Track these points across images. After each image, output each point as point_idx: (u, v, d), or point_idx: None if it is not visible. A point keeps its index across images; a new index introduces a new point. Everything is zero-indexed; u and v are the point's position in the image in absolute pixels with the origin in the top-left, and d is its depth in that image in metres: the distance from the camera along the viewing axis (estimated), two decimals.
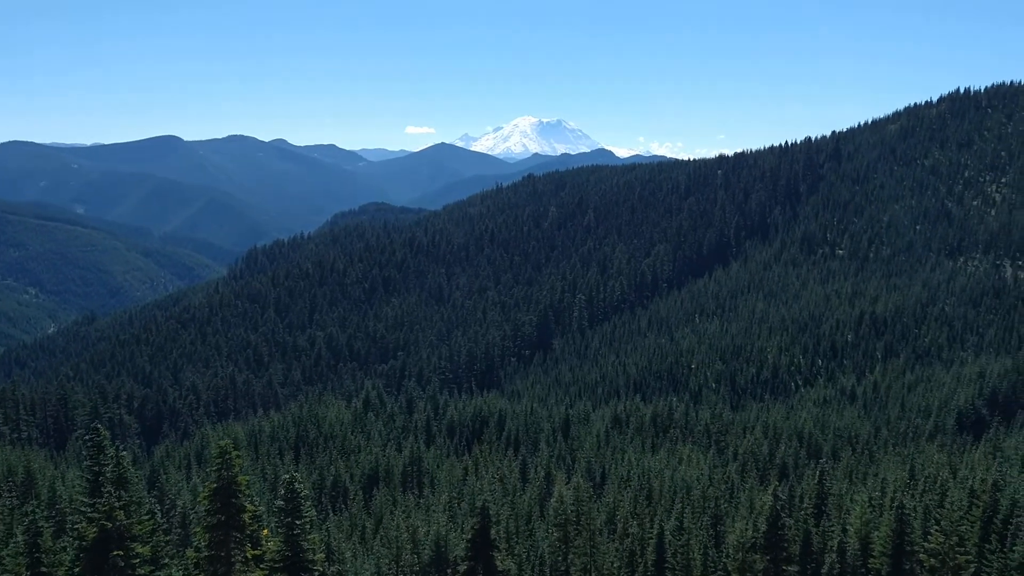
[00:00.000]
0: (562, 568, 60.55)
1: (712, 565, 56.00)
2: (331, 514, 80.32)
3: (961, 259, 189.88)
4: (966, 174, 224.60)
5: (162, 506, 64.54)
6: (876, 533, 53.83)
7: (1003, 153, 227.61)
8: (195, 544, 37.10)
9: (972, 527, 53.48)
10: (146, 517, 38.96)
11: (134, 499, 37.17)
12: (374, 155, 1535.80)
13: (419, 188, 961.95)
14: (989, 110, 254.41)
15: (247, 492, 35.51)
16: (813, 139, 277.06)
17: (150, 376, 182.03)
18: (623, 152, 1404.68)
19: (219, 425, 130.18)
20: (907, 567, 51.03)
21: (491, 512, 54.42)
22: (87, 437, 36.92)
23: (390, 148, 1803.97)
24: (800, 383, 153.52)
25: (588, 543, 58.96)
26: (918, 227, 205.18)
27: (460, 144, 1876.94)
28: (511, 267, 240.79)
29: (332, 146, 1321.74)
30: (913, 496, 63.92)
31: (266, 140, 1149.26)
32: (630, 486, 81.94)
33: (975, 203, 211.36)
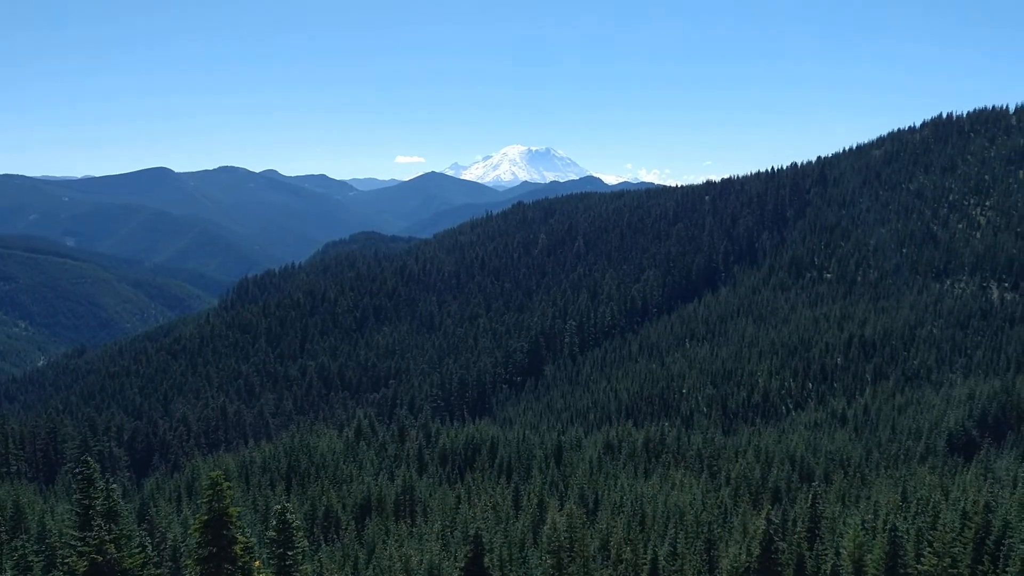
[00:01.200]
0: None
1: None
2: (323, 545, 79.79)
3: (948, 281, 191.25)
4: (951, 198, 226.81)
5: (153, 539, 63.99)
6: (869, 556, 53.88)
7: (986, 177, 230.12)
8: None
9: (965, 549, 53.58)
10: (137, 550, 38.72)
11: (124, 532, 36.97)
12: (364, 184, 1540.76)
13: (409, 217, 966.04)
14: (972, 135, 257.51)
15: (238, 524, 35.39)
16: (799, 164, 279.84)
17: (140, 408, 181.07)
18: (611, 179, 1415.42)
19: (210, 456, 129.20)
20: None
21: (484, 540, 54.30)
22: (77, 470, 36.84)
23: (380, 177, 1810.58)
24: (791, 406, 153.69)
25: (582, 570, 58.79)
26: (904, 250, 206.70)
27: (450, 173, 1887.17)
28: (502, 294, 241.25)
29: (323, 176, 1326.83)
30: (906, 518, 64.07)
31: (257, 171, 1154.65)
32: (623, 512, 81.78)
33: (960, 226, 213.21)
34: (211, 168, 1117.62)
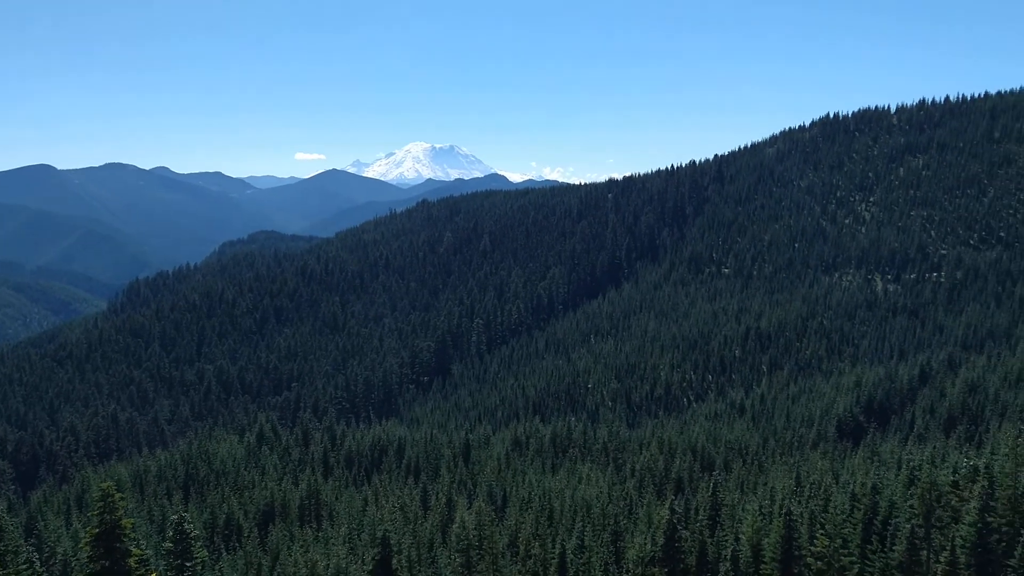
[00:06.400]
0: None
1: None
2: (224, 553, 77.34)
3: (836, 274, 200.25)
4: (838, 194, 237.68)
5: (41, 554, 60.82)
6: (766, 540, 55.70)
7: (870, 174, 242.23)
8: None
9: (855, 529, 56.04)
10: (24, 566, 36.72)
11: (10, 548, 35.08)
12: (263, 182, 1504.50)
13: (310, 215, 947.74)
14: (856, 133, 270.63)
15: (132, 536, 33.98)
16: (697, 162, 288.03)
17: (24, 418, 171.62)
18: (516, 177, 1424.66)
19: (101, 467, 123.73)
20: (796, 571, 52.95)
21: (392, 541, 53.72)
22: None
23: (279, 175, 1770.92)
24: (692, 398, 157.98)
25: (491, 567, 58.85)
26: (796, 245, 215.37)
27: (352, 170, 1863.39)
28: (407, 293, 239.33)
29: (218, 173, 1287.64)
30: (800, 502, 66.56)
31: (146, 168, 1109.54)
32: (531, 507, 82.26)
33: (847, 221, 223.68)
34: (97, 165, 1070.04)
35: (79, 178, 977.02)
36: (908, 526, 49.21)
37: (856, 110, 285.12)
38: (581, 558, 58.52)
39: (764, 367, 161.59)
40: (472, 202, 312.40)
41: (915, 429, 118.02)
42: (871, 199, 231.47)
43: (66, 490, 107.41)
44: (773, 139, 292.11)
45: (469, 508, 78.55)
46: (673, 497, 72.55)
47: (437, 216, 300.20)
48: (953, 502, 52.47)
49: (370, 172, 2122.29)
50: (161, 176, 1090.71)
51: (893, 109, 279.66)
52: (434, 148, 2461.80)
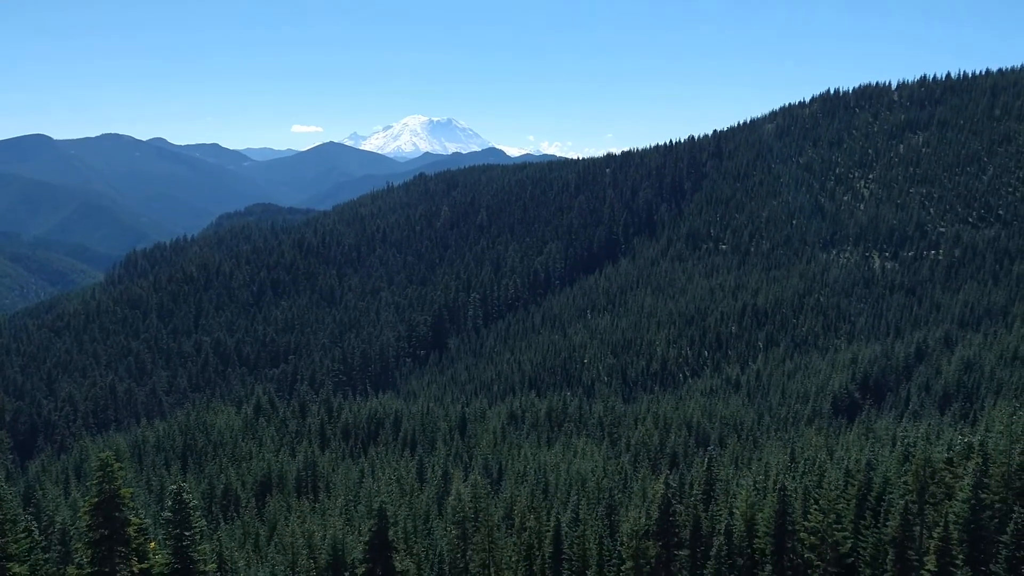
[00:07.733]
0: (461, 565, 60.85)
1: (607, 554, 57.21)
2: (222, 523, 78.00)
3: (834, 251, 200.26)
4: (837, 171, 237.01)
5: (39, 523, 61.17)
6: (760, 515, 56.06)
7: (870, 151, 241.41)
8: (77, 561, 35.49)
9: (848, 505, 56.38)
10: (22, 535, 37.00)
11: (8, 517, 35.24)
12: (260, 154, 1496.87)
13: (307, 188, 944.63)
14: (857, 110, 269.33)
15: (131, 505, 34.17)
16: (696, 138, 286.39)
17: (22, 388, 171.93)
18: (514, 151, 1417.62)
19: (99, 437, 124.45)
20: (789, 545, 53.39)
21: (388, 513, 54.07)
22: None
23: (276, 147, 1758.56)
24: (688, 374, 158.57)
25: (486, 539, 59.33)
26: (794, 222, 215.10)
27: (349, 143, 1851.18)
28: (404, 267, 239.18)
29: (215, 145, 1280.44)
30: (794, 478, 66.96)
31: (143, 139, 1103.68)
32: (527, 481, 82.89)
33: (845, 198, 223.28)
34: (93, 135, 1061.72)
35: (75, 148, 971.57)
36: (902, 502, 49.52)
37: (857, 86, 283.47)
38: (576, 531, 59.00)
39: (760, 343, 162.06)
40: (469, 176, 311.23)
41: (910, 406, 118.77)
42: (870, 176, 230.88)
43: (64, 459, 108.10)
44: (773, 115, 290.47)
45: (465, 481, 79.08)
46: (668, 472, 73.02)
47: (434, 190, 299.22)
48: (947, 479, 52.79)
49: (367, 145, 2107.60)
50: (158, 147, 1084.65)
51: (894, 85, 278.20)
52: (432, 121, 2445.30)
